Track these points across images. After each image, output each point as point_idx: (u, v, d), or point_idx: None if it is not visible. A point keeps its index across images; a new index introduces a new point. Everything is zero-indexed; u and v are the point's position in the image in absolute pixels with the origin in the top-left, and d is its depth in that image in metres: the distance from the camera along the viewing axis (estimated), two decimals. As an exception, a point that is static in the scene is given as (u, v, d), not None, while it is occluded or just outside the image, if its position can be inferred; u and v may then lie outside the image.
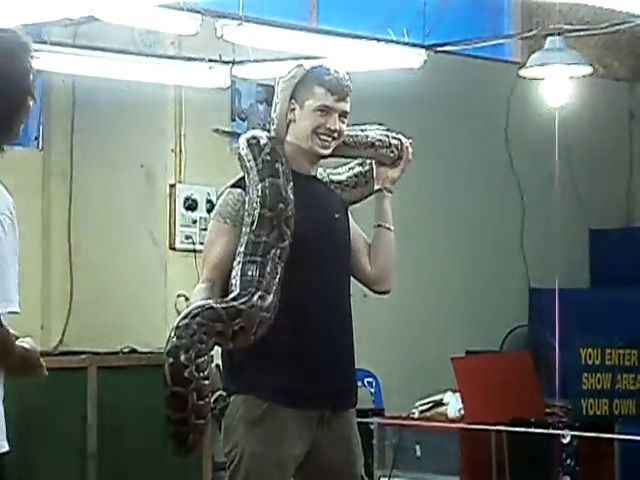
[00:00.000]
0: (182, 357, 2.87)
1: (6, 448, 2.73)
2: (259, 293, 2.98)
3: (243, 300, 2.96)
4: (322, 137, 3.21)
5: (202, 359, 2.90)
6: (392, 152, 3.39)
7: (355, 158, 3.44)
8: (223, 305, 2.96)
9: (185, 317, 2.93)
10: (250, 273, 3.01)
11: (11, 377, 2.78)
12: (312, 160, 3.27)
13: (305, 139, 3.22)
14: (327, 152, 3.25)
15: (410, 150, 3.42)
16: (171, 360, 2.88)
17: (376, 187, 3.39)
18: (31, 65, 2.80)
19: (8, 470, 2.72)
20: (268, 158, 3.14)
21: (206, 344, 2.92)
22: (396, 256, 3.37)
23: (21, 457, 6.16)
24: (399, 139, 3.41)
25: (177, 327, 2.91)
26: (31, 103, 2.82)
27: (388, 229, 3.35)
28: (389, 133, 3.41)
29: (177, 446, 2.94)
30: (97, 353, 6.64)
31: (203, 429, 2.94)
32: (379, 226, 3.35)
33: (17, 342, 2.78)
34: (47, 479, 6.23)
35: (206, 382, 2.92)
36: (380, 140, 3.37)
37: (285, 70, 3.35)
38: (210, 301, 3.00)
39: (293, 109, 3.23)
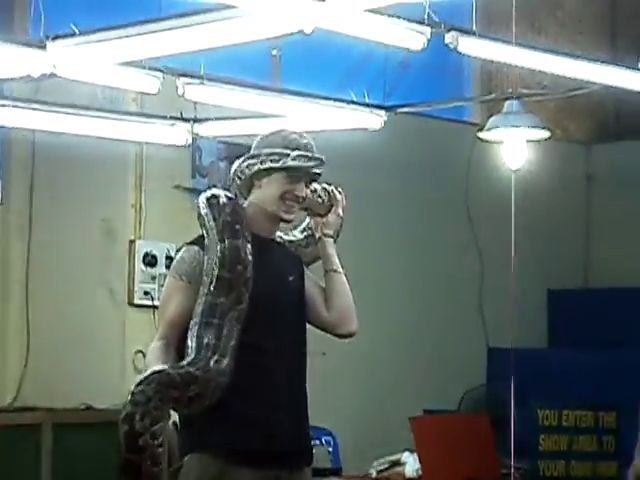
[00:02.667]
0: (137, 425, 2.88)
1: None
2: (215, 357, 2.98)
3: (199, 365, 2.97)
4: (287, 203, 3.24)
5: (157, 426, 2.90)
6: (320, 197, 3.40)
7: None
8: (179, 371, 2.97)
9: (141, 383, 2.93)
10: (206, 336, 3.01)
11: None
12: (273, 224, 3.29)
13: (270, 204, 3.24)
14: (291, 217, 3.29)
15: (339, 196, 3.43)
16: (126, 427, 2.88)
17: (317, 236, 3.41)
18: None
19: None
20: (228, 219, 3.14)
21: (162, 410, 2.93)
22: (351, 297, 3.37)
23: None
24: (325, 188, 3.43)
25: (133, 393, 2.92)
26: None
27: (336, 272, 3.36)
28: (317, 186, 3.42)
29: None
30: (52, 409, 6.60)
31: None
32: (328, 271, 3.37)
33: None
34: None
35: (160, 449, 2.92)
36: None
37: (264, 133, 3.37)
38: (166, 367, 3.00)
39: (258, 178, 3.25)
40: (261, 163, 3.25)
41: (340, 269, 3.37)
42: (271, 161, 3.24)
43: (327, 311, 3.32)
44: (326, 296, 3.34)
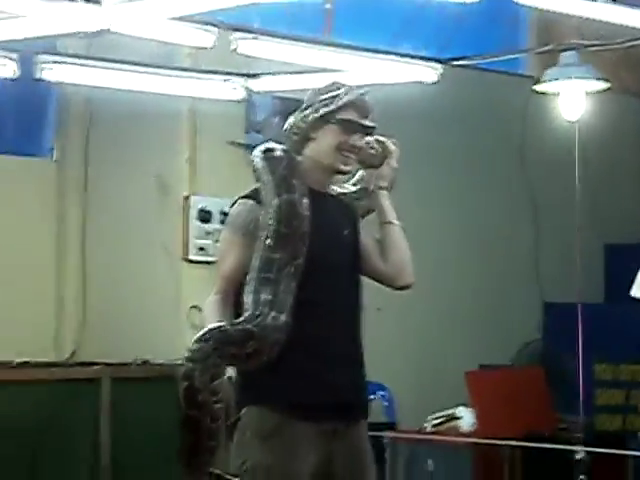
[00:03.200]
0: (196, 382, 2.92)
1: None
2: (272, 314, 3.00)
3: (256, 322, 2.99)
4: (344, 153, 3.24)
5: (216, 382, 2.95)
6: (372, 149, 3.37)
7: None
8: (236, 327, 3.00)
9: (199, 341, 2.96)
10: (263, 292, 3.03)
11: None
12: (329, 176, 3.29)
13: (326, 155, 3.24)
14: (348, 169, 3.28)
15: (393, 147, 3.41)
16: (186, 384, 2.92)
17: (371, 188, 3.41)
18: None
19: None
20: (285, 173, 3.15)
21: (220, 367, 2.98)
22: (407, 249, 3.36)
23: (33, 469, 6.19)
24: (379, 139, 3.40)
25: (191, 351, 2.95)
26: None
27: (392, 223, 3.35)
28: (370, 138, 3.39)
29: (188, 468, 2.99)
30: (110, 364, 6.68)
31: (214, 451, 2.99)
32: (383, 223, 3.36)
33: None
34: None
35: (219, 405, 2.96)
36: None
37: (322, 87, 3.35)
38: (224, 323, 3.02)
39: (312, 128, 3.24)
40: (315, 111, 3.24)
41: (396, 221, 3.36)
42: (325, 106, 3.23)
43: (384, 263, 3.31)
44: (382, 248, 3.33)
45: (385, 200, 3.37)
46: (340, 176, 3.33)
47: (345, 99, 3.23)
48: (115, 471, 6.41)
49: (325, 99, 3.24)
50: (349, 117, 3.23)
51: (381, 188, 3.38)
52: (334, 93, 3.24)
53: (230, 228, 3.25)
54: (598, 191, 7.96)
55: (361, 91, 3.31)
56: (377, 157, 3.39)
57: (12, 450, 6.10)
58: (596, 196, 7.87)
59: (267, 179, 3.16)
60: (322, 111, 3.23)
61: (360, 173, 3.49)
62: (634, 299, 4.24)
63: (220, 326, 3.00)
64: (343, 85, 3.34)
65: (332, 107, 3.22)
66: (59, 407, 6.34)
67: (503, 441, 6.14)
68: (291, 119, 3.33)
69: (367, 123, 3.26)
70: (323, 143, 3.23)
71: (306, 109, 3.28)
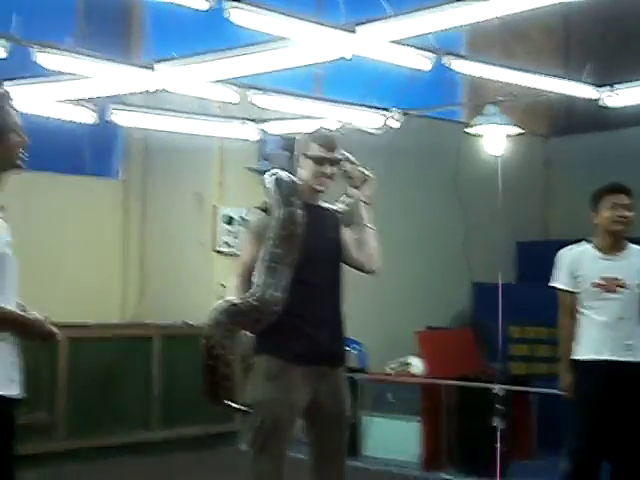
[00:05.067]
0: (212, 340, 2.92)
1: (18, 394, 2.56)
2: (271, 292, 3.00)
3: (259, 299, 2.99)
4: (319, 179, 3.21)
5: (228, 340, 2.94)
6: (359, 172, 3.34)
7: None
8: (244, 302, 2.99)
9: (216, 311, 2.96)
10: (267, 276, 3.03)
11: (22, 340, 2.57)
12: (315, 193, 3.27)
13: (309, 181, 3.23)
14: (322, 189, 3.24)
15: (371, 175, 3.37)
16: (205, 342, 2.93)
17: (354, 200, 3.33)
18: (8, 110, 2.59)
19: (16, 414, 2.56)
20: (286, 192, 3.15)
21: (230, 331, 2.97)
22: (377, 245, 3.31)
23: (105, 401, 6.22)
24: (362, 170, 3.37)
25: (210, 319, 2.95)
26: (16, 139, 2.59)
27: (367, 227, 3.31)
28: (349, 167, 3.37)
29: (211, 400, 2.98)
30: (160, 326, 6.70)
31: (230, 388, 2.97)
32: (361, 225, 3.30)
33: (19, 312, 2.58)
34: (123, 417, 6.28)
35: (231, 356, 2.96)
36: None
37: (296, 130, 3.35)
38: (235, 299, 3.02)
39: (299, 161, 3.25)
40: (299, 149, 3.25)
41: (370, 225, 3.33)
42: (303, 154, 3.22)
43: (359, 254, 3.28)
44: (358, 243, 3.30)
45: (365, 210, 3.34)
46: (321, 194, 3.27)
47: (319, 141, 3.20)
48: (163, 401, 6.45)
49: (304, 143, 3.23)
50: (318, 154, 3.19)
51: (363, 202, 3.35)
52: (310, 145, 3.21)
53: (247, 231, 3.26)
54: (512, 205, 7.96)
55: (327, 132, 3.27)
56: (360, 179, 3.36)
57: (89, 388, 6.13)
58: (511, 208, 7.88)
59: (274, 196, 3.15)
60: (303, 149, 3.22)
61: (344, 198, 3.41)
62: (550, 286, 4.17)
63: (231, 300, 3.00)
64: (328, 129, 3.33)
65: (308, 154, 3.20)
66: (123, 357, 6.36)
67: (443, 381, 6.12)
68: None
69: (331, 156, 3.21)
70: (304, 172, 3.23)
71: (296, 147, 3.28)
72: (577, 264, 4.06)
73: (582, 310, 4.01)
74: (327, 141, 3.23)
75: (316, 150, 3.20)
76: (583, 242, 4.12)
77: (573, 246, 4.14)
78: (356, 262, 3.28)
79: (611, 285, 3.97)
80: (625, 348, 3.92)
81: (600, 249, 4.04)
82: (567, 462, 3.97)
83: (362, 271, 3.31)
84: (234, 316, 2.96)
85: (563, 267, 4.10)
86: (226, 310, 2.95)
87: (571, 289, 4.04)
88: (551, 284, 4.13)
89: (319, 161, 3.20)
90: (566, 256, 4.12)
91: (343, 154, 3.32)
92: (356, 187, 3.35)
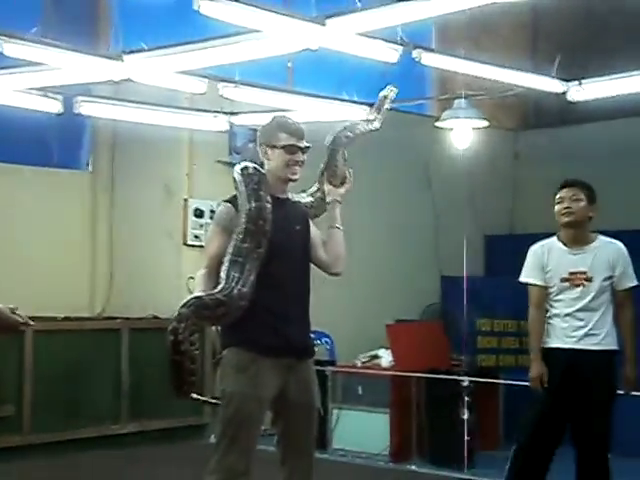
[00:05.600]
0: (180, 336, 2.88)
1: None
2: (238, 287, 2.97)
3: (225, 293, 2.96)
4: (292, 168, 3.21)
5: (194, 336, 2.92)
6: (344, 171, 3.36)
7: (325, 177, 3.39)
8: (210, 297, 2.96)
9: (183, 306, 2.92)
10: (233, 271, 3.00)
11: None
12: (284, 184, 3.24)
13: (280, 171, 3.20)
14: (296, 177, 3.22)
15: (351, 177, 3.39)
16: (172, 338, 2.89)
17: (328, 199, 3.34)
18: None
19: None
20: (255, 187, 3.10)
21: (197, 325, 2.94)
22: (344, 248, 3.31)
23: (73, 395, 6.18)
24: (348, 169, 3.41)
25: (177, 314, 2.91)
26: None
27: (338, 228, 3.30)
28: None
29: (178, 394, 2.96)
30: (129, 318, 6.67)
31: (194, 382, 2.95)
32: (331, 227, 3.30)
33: None
34: (91, 411, 6.26)
35: (197, 352, 2.93)
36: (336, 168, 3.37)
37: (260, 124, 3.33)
38: (202, 294, 2.99)
39: (265, 152, 3.20)
40: (267, 140, 3.19)
41: (340, 227, 3.31)
42: (271, 136, 3.18)
43: (325, 255, 3.27)
44: (326, 244, 3.29)
45: (337, 210, 3.32)
46: (292, 183, 3.25)
47: (285, 129, 3.19)
48: (131, 394, 6.43)
49: (270, 132, 3.20)
50: (287, 142, 3.17)
51: (336, 202, 3.33)
52: (280, 134, 3.19)
53: (214, 223, 3.22)
54: (480, 198, 8.04)
55: (291, 120, 3.24)
56: (339, 178, 3.34)
57: (57, 382, 6.09)
58: (478, 201, 7.96)
59: (242, 189, 3.11)
60: (271, 140, 3.18)
61: (313, 189, 3.41)
62: (521, 282, 4.27)
63: (199, 296, 2.96)
64: (282, 118, 3.29)
65: (280, 144, 3.18)
66: (91, 350, 6.33)
67: (412, 373, 6.14)
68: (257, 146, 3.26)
69: (302, 144, 3.19)
70: (276, 161, 3.19)
71: (259, 137, 3.22)
72: (546, 259, 4.14)
73: (551, 303, 4.11)
74: (296, 129, 3.22)
75: (286, 139, 3.18)
76: (553, 237, 4.20)
77: (543, 241, 4.22)
78: (321, 262, 3.27)
79: (578, 279, 4.07)
80: (591, 337, 4.02)
81: (566, 244, 4.13)
82: (519, 444, 4.09)
83: (326, 272, 3.30)
84: (201, 310, 2.93)
85: (533, 262, 4.18)
86: (193, 304, 2.93)
87: (541, 283, 4.13)
88: (521, 279, 4.20)
89: (291, 150, 3.18)
90: (536, 251, 4.21)
91: (343, 142, 3.32)
92: (334, 185, 3.34)
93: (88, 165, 7.47)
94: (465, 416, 5.78)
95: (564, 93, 5.30)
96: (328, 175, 3.36)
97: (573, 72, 5.40)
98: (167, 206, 7.02)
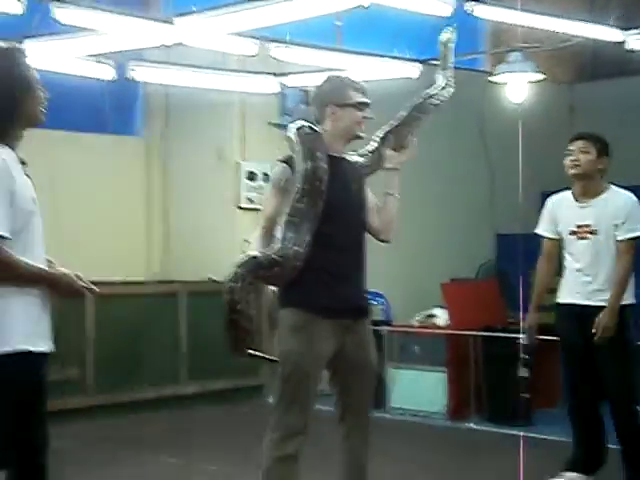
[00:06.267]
0: (236, 296, 2.91)
1: (47, 349, 2.59)
2: (293, 247, 2.98)
3: (281, 253, 2.97)
4: (361, 125, 3.18)
5: (250, 295, 2.93)
6: (411, 138, 3.34)
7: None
8: (266, 256, 2.97)
9: (239, 266, 2.93)
10: (289, 231, 3.00)
11: (53, 297, 2.59)
12: (347, 143, 3.20)
13: (351, 129, 3.17)
14: (364, 134, 3.21)
15: (415, 144, 3.36)
16: (228, 297, 2.92)
17: (388, 165, 3.30)
18: (28, 65, 2.62)
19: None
20: (310, 146, 3.09)
21: (252, 284, 2.96)
22: (396, 216, 3.28)
23: (135, 356, 6.31)
24: (411, 137, 3.36)
25: (233, 273, 2.93)
26: (40, 94, 2.63)
27: (394, 195, 3.28)
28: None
29: (236, 353, 2.99)
30: (186, 282, 6.76)
31: (252, 340, 2.97)
32: (388, 193, 3.28)
33: (47, 269, 2.59)
34: (152, 373, 6.38)
35: (253, 311, 2.95)
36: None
37: (317, 83, 3.29)
38: (257, 253, 2.99)
39: (333, 112, 3.16)
40: (336, 97, 3.16)
41: (397, 195, 3.28)
42: (345, 103, 3.15)
43: (377, 220, 3.26)
44: (380, 210, 3.27)
45: (395, 177, 3.29)
46: (359, 140, 3.21)
47: (353, 87, 3.18)
48: (190, 356, 6.54)
49: (338, 91, 3.17)
50: (359, 99, 3.16)
51: (395, 169, 3.30)
52: (353, 92, 3.16)
53: (271, 183, 3.22)
54: (536, 153, 7.90)
55: (350, 78, 3.22)
56: (405, 145, 3.28)
57: (118, 345, 6.22)
58: (534, 156, 7.82)
59: (298, 149, 3.09)
60: (342, 99, 3.15)
61: (368, 148, 3.34)
62: (537, 235, 4.31)
63: (254, 255, 2.97)
64: (346, 78, 3.25)
65: (353, 100, 3.15)
66: (150, 313, 6.44)
67: (468, 332, 6.14)
68: (313, 104, 3.23)
69: (367, 100, 3.20)
70: (346, 119, 3.15)
71: (322, 97, 3.18)
72: (557, 212, 4.19)
73: (566, 256, 4.13)
74: (362, 86, 3.21)
75: (356, 96, 3.17)
76: (568, 190, 4.21)
77: (558, 194, 4.24)
78: (372, 227, 3.26)
79: (583, 232, 4.07)
80: (596, 293, 3.99)
81: (575, 196, 4.13)
82: (568, 402, 4.22)
83: (375, 237, 3.29)
84: (256, 270, 2.95)
85: (545, 215, 4.22)
86: (247, 263, 2.94)
87: (551, 236, 4.17)
88: (536, 231, 4.24)
89: (361, 107, 3.17)
90: (549, 204, 4.27)
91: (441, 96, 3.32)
92: (397, 151, 3.30)
93: (141, 130, 7.53)
94: (523, 374, 5.75)
95: (622, 42, 5.17)
96: (396, 140, 3.31)
97: (632, 20, 5.25)
98: (220, 169, 7.06)
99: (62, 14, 4.31)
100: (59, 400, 5.49)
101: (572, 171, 4.15)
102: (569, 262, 4.16)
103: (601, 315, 4.01)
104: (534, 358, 5.72)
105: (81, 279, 2.65)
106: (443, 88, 3.48)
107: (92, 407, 6.04)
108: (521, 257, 6.28)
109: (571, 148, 4.20)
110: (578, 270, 4.11)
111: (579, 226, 4.12)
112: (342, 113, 3.17)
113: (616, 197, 4.12)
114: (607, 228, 4.07)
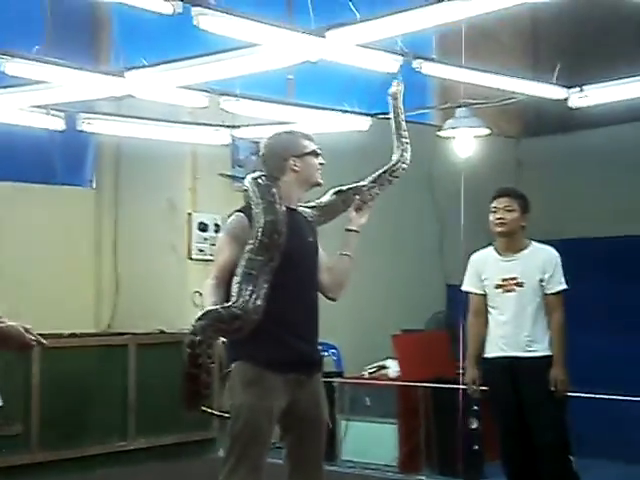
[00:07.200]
0: (197, 349, 2.87)
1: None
2: (252, 300, 2.96)
3: (240, 306, 2.95)
4: (319, 172, 3.25)
5: (211, 349, 2.91)
6: (372, 197, 3.43)
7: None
8: (226, 310, 2.94)
9: (200, 319, 2.90)
10: (246, 283, 2.98)
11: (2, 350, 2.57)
12: (304, 192, 3.26)
13: (312, 177, 3.23)
14: (322, 181, 3.27)
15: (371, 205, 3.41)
16: (189, 351, 2.87)
17: (350, 227, 3.34)
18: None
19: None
20: (271, 199, 3.11)
21: (213, 338, 2.94)
22: (349, 277, 3.30)
23: (79, 410, 6.16)
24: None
25: (194, 327, 2.89)
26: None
27: (349, 256, 3.30)
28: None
29: (189, 407, 2.94)
30: (135, 334, 6.66)
31: (209, 395, 2.94)
32: (344, 254, 3.29)
33: None
34: (99, 428, 6.24)
35: (213, 365, 2.93)
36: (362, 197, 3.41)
37: (268, 136, 3.33)
38: (218, 307, 2.97)
39: (294, 164, 3.20)
40: (294, 150, 3.22)
41: (352, 255, 3.31)
42: (299, 146, 3.23)
43: (327, 277, 3.27)
44: (332, 269, 3.28)
45: (355, 239, 3.32)
46: (317, 187, 3.28)
47: (304, 137, 3.26)
48: (138, 410, 6.41)
49: (293, 143, 3.24)
50: (314, 147, 3.24)
51: (356, 231, 3.34)
52: (309, 143, 3.24)
53: (225, 232, 3.20)
54: (484, 205, 7.99)
55: (296, 130, 3.33)
56: (365, 205, 3.38)
57: (64, 399, 6.07)
58: (481, 208, 7.90)
59: (258, 201, 3.10)
60: (298, 149, 3.22)
61: (319, 201, 3.40)
62: (461, 291, 4.39)
63: (215, 309, 2.94)
64: (297, 131, 3.35)
65: (312, 150, 3.23)
66: (98, 366, 6.31)
67: (419, 383, 6.16)
68: (268, 159, 3.25)
69: (319, 148, 3.27)
70: (308, 168, 3.22)
71: (279, 152, 3.22)
72: (482, 267, 4.29)
73: (489, 310, 4.20)
74: (308, 134, 3.30)
75: (310, 145, 3.24)
76: (491, 247, 4.31)
77: (481, 251, 4.34)
78: (321, 285, 3.25)
79: (509, 285, 4.15)
80: (525, 344, 4.07)
81: (498, 251, 4.24)
82: (501, 455, 4.34)
83: (324, 294, 3.28)
84: (217, 323, 2.92)
85: (470, 271, 4.31)
86: (208, 316, 2.91)
87: (477, 291, 4.24)
88: (462, 288, 4.32)
89: (317, 154, 3.24)
90: (473, 260, 4.36)
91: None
92: (357, 210, 3.35)
93: (92, 182, 7.47)
94: (474, 425, 5.75)
95: (565, 99, 5.30)
96: (357, 204, 3.37)
97: (574, 78, 5.39)
98: (171, 221, 7.02)
99: (12, 67, 4.29)
100: (1, 457, 5.32)
101: (498, 229, 4.28)
102: (494, 315, 4.23)
103: (554, 372, 4.05)
104: (483, 410, 5.75)
105: (29, 331, 2.59)
106: (397, 162, 3.55)
107: (37, 464, 5.87)
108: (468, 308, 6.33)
109: (495, 205, 4.31)
110: (504, 323, 4.18)
111: (504, 279, 4.21)
112: (302, 163, 3.21)
113: (540, 252, 4.24)
114: (533, 282, 4.17)
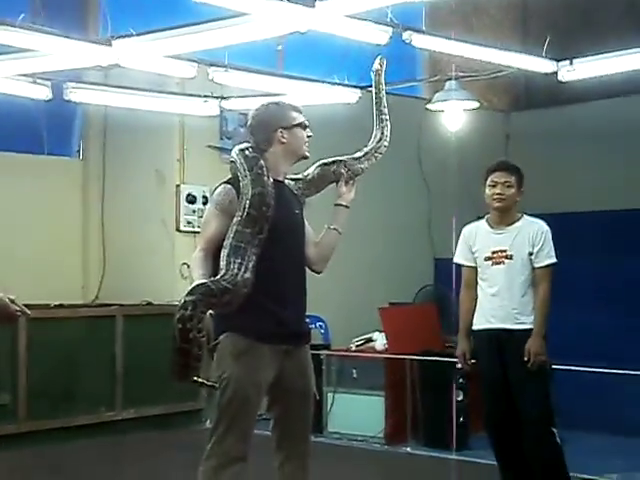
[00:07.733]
0: (188, 324, 2.85)
1: None
2: (241, 273, 2.94)
3: (230, 280, 2.93)
4: (306, 144, 3.21)
5: (201, 323, 2.88)
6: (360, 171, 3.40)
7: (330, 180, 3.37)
8: (216, 284, 2.92)
9: (190, 293, 2.88)
10: (235, 256, 2.96)
11: None
12: (291, 165, 3.21)
13: (299, 149, 3.18)
14: (309, 153, 3.23)
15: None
16: (180, 326, 2.85)
17: (340, 202, 3.30)
18: None
19: None
20: (259, 172, 3.07)
21: (204, 312, 2.91)
22: (333, 251, 3.28)
23: (65, 383, 6.17)
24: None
25: (184, 301, 2.87)
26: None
27: (337, 230, 3.27)
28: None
29: (179, 379, 2.93)
30: (123, 305, 6.66)
31: (199, 368, 2.94)
32: (331, 228, 3.26)
33: None
34: (86, 398, 6.25)
35: (203, 339, 2.91)
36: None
37: (256, 107, 3.28)
38: (207, 281, 2.94)
39: (281, 135, 3.16)
40: (281, 121, 3.16)
41: (340, 230, 3.28)
42: (288, 117, 3.18)
43: (313, 250, 3.24)
44: (319, 242, 3.26)
45: (344, 214, 3.30)
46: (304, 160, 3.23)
47: (292, 109, 3.21)
48: (126, 381, 6.42)
49: (281, 115, 3.18)
50: (302, 119, 3.19)
51: (346, 206, 3.31)
52: (297, 114, 3.20)
53: (212, 204, 3.15)
54: (473, 178, 7.99)
55: (284, 102, 3.29)
56: (352, 179, 3.34)
57: (52, 369, 6.07)
58: (470, 182, 7.92)
59: (246, 174, 3.06)
60: (287, 121, 3.16)
61: (306, 173, 3.34)
62: (454, 263, 4.42)
63: (205, 282, 2.92)
64: (286, 102, 3.29)
65: (301, 122, 3.18)
66: (85, 337, 6.31)
67: (406, 356, 6.16)
68: (256, 130, 3.18)
69: (307, 120, 3.22)
70: (296, 140, 3.17)
71: (267, 123, 3.16)
72: (473, 240, 4.31)
73: (479, 282, 4.21)
74: (297, 106, 3.24)
75: (299, 117, 3.19)
76: (483, 219, 4.32)
77: (472, 223, 4.34)
78: (307, 257, 3.24)
79: (499, 257, 4.17)
80: (514, 316, 4.08)
81: (490, 224, 4.24)
82: (487, 428, 4.30)
83: (309, 267, 3.27)
84: (207, 298, 2.89)
85: (462, 243, 4.32)
86: (198, 291, 2.89)
87: (469, 264, 4.26)
88: (454, 260, 4.32)
89: (305, 126, 3.20)
90: (465, 233, 4.38)
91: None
92: (346, 184, 3.33)
93: (79, 152, 7.42)
94: (459, 398, 5.79)
95: (555, 73, 5.29)
96: (347, 177, 3.34)
97: (564, 52, 5.38)
98: (159, 192, 6.99)
99: (-2, 34, 4.23)
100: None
101: (496, 204, 4.26)
102: (483, 288, 4.24)
103: (529, 342, 4.07)
104: (469, 383, 5.78)
105: (14, 302, 2.57)
106: (380, 140, 3.52)
107: (24, 433, 5.88)
108: (458, 281, 6.35)
109: (494, 180, 4.28)
110: (493, 295, 4.19)
111: (494, 252, 4.21)
112: (290, 135, 3.17)
113: (530, 225, 4.24)
114: (522, 254, 4.17)
